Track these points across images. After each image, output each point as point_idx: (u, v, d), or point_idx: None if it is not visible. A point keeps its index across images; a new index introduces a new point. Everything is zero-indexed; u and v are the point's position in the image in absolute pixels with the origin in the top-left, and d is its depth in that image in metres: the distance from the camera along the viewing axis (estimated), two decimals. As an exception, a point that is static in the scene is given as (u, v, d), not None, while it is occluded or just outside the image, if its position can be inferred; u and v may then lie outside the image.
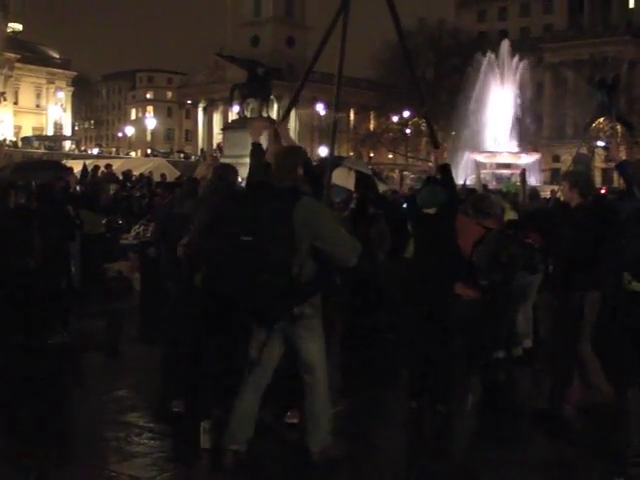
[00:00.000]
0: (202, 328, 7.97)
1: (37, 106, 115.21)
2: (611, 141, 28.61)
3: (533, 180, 44.70)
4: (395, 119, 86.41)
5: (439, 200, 8.11)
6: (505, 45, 54.40)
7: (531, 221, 11.19)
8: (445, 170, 8.37)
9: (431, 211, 8.17)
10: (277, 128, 8.57)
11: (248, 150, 8.20)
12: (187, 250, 8.05)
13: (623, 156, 59.57)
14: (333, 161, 8.48)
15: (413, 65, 12.80)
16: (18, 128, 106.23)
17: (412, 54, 14.35)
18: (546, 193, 24.48)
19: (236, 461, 6.65)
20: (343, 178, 13.98)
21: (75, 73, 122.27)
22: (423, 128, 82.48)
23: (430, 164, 77.90)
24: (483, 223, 8.38)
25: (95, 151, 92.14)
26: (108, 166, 27.51)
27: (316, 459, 6.65)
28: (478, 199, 9.04)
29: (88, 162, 32.15)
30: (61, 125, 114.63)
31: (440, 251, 8.04)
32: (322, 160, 23.76)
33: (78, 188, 18.46)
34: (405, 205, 12.05)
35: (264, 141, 8.47)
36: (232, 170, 8.65)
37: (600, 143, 37.25)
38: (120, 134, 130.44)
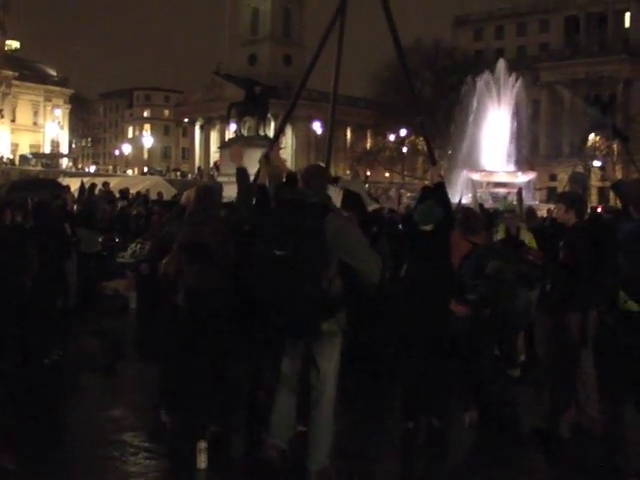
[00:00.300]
0: (186, 346, 8.16)
1: (34, 124, 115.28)
2: (607, 160, 28.73)
3: (530, 199, 44.76)
4: (392, 138, 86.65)
5: (436, 217, 8.16)
6: (501, 64, 54.59)
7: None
8: (439, 188, 8.44)
9: (428, 228, 8.22)
10: (268, 151, 8.80)
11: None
12: (166, 268, 8.23)
13: (619, 175, 59.77)
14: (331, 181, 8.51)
15: (409, 74, 12.89)
16: (15, 146, 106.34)
17: (409, 72, 14.35)
18: (542, 212, 24.52)
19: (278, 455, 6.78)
20: (337, 198, 14.05)
21: (72, 91, 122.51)
22: (420, 147, 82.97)
23: (427, 182, 78.07)
24: (470, 239, 8.43)
25: (92, 169, 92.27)
26: (105, 184, 27.53)
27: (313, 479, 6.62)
28: (465, 216, 9.11)
29: (85, 180, 32.12)
30: (58, 143, 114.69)
31: (436, 268, 8.09)
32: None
33: (75, 207, 18.43)
34: (401, 226, 12.11)
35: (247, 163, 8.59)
36: (214, 190, 8.79)
37: (596, 163, 37.30)
38: (117, 152, 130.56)
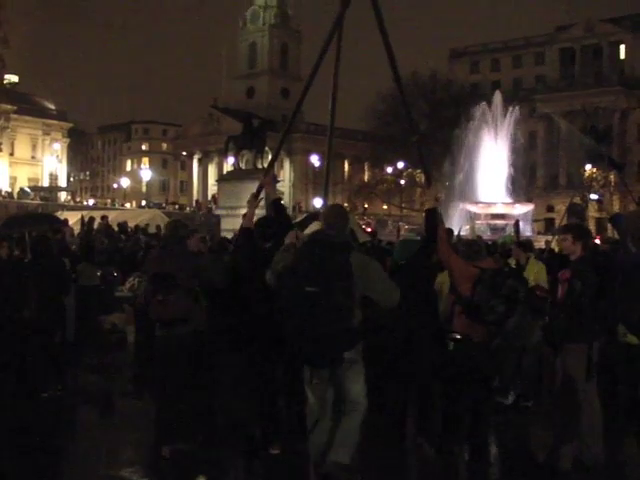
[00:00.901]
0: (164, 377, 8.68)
1: (33, 157, 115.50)
2: (604, 194, 28.81)
3: (527, 230, 44.80)
4: (389, 170, 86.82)
5: (407, 254, 9.05)
6: (498, 96, 54.84)
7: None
8: (429, 213, 9.06)
9: (403, 261, 9.07)
10: (261, 181, 9.37)
11: (243, 201, 8.74)
12: (139, 300, 8.70)
13: (616, 206, 59.79)
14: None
15: (402, 89, 13.04)
16: (14, 179, 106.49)
17: (405, 105, 14.47)
18: (540, 243, 24.50)
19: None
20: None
21: (71, 124, 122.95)
22: (418, 179, 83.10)
23: (424, 215, 78.10)
24: (477, 264, 8.50)
25: (90, 202, 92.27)
26: (104, 217, 27.59)
27: (327, 469, 6.89)
28: (466, 245, 9.26)
29: (84, 213, 32.17)
30: (56, 176, 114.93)
31: (414, 297, 8.52)
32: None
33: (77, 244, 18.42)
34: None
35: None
36: (180, 225, 9.31)
37: (593, 196, 37.31)
38: (115, 185, 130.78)
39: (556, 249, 19.63)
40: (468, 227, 38.21)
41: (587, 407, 8.09)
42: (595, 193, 45.23)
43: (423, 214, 9.48)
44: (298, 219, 19.50)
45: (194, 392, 8.72)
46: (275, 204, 8.92)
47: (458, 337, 8.26)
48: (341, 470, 6.84)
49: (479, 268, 8.39)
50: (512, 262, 12.05)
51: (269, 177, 9.93)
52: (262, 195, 9.52)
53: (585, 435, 8.10)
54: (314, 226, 8.38)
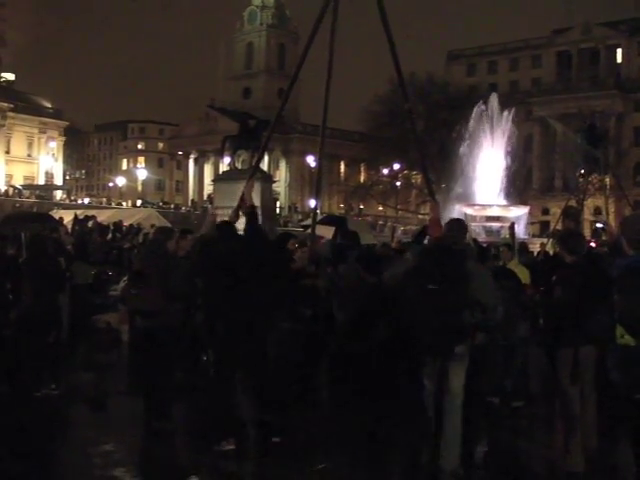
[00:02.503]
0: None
1: (29, 155, 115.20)
2: (606, 222, 28.93)
3: (522, 233, 44.79)
4: (385, 171, 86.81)
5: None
6: (494, 99, 54.81)
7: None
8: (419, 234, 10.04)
9: None
10: (244, 188, 9.92)
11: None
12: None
13: (612, 208, 59.65)
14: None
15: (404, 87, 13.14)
16: (9, 177, 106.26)
17: (400, 109, 14.56)
18: (535, 246, 24.49)
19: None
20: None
21: (67, 123, 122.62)
22: (413, 181, 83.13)
23: (420, 216, 78.37)
24: None
25: (86, 201, 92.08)
26: (92, 217, 27.54)
27: (446, 478, 7.78)
28: None
29: (79, 212, 32.12)
30: (52, 174, 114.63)
31: None
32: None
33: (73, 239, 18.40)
34: None
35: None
36: (163, 229, 10.88)
37: (599, 224, 37.45)
38: (111, 184, 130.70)
39: (551, 252, 19.67)
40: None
41: (568, 411, 8.26)
42: (600, 222, 45.20)
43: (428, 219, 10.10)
44: (305, 222, 19.80)
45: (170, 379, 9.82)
46: (249, 213, 9.43)
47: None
48: (455, 475, 7.80)
49: None
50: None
51: (250, 184, 10.19)
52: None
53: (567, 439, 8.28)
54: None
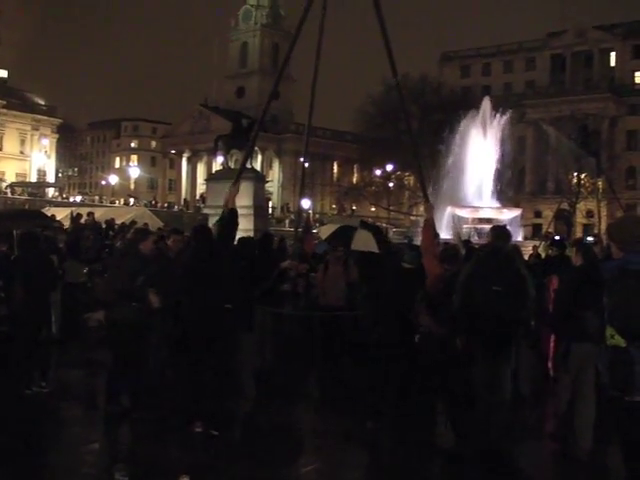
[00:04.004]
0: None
1: (21, 152, 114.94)
2: (597, 234, 29.11)
3: (515, 235, 44.81)
4: (378, 172, 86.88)
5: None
6: (486, 102, 54.79)
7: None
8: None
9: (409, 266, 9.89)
10: (229, 191, 10.23)
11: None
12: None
13: (604, 212, 59.70)
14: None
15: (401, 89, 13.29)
16: (1, 174, 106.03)
17: (395, 109, 14.75)
18: (527, 249, 24.54)
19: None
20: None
21: (60, 120, 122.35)
22: (406, 182, 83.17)
23: (412, 218, 78.39)
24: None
25: (78, 199, 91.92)
26: (90, 214, 27.50)
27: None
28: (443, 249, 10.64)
29: (73, 209, 32.10)
30: (45, 172, 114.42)
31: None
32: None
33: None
34: None
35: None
36: (137, 231, 11.92)
37: (589, 238, 37.57)
38: (104, 182, 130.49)
39: (542, 255, 19.74)
40: (452, 232, 38.31)
41: (560, 394, 9.45)
42: (590, 235, 45.29)
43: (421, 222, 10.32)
44: (321, 229, 20.00)
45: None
46: (230, 213, 9.89)
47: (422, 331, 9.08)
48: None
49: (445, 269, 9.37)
50: None
51: (236, 188, 10.38)
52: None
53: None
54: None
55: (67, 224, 26.61)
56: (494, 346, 8.84)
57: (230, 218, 9.85)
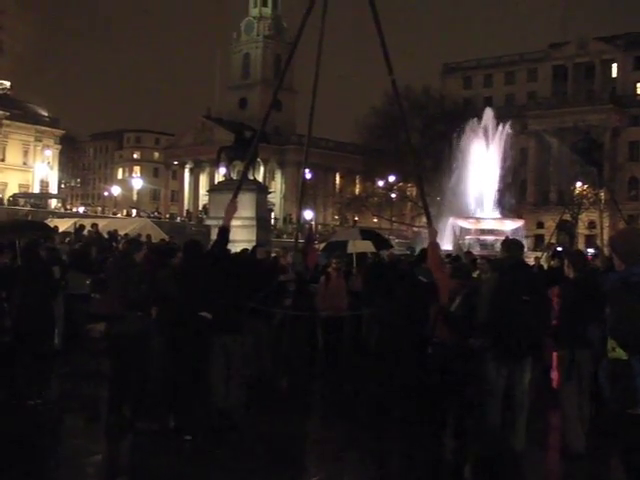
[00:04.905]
0: None
1: (24, 163, 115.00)
2: (599, 247, 29.17)
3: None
4: (381, 184, 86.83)
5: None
6: (489, 113, 54.82)
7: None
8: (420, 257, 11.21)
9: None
10: (228, 206, 10.43)
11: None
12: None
13: (606, 222, 59.64)
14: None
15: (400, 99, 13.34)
16: (4, 185, 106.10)
17: (397, 120, 14.91)
18: (530, 260, 24.52)
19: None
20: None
21: (63, 131, 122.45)
22: (409, 193, 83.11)
23: (415, 229, 78.29)
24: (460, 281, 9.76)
25: (81, 210, 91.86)
26: (94, 225, 27.54)
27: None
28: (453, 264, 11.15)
29: (77, 220, 32.09)
30: (47, 183, 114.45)
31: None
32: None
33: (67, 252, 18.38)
34: None
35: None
36: (132, 242, 12.11)
37: (590, 250, 37.40)
38: (106, 193, 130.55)
39: (545, 266, 19.73)
40: (456, 242, 38.37)
41: (563, 408, 9.58)
42: (592, 247, 45.24)
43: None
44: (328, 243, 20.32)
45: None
46: (221, 230, 10.12)
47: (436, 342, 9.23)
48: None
49: (460, 283, 9.47)
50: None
51: (234, 205, 10.60)
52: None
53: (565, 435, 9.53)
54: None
55: (70, 235, 26.65)
56: (522, 355, 9.19)
57: (220, 238, 10.09)
